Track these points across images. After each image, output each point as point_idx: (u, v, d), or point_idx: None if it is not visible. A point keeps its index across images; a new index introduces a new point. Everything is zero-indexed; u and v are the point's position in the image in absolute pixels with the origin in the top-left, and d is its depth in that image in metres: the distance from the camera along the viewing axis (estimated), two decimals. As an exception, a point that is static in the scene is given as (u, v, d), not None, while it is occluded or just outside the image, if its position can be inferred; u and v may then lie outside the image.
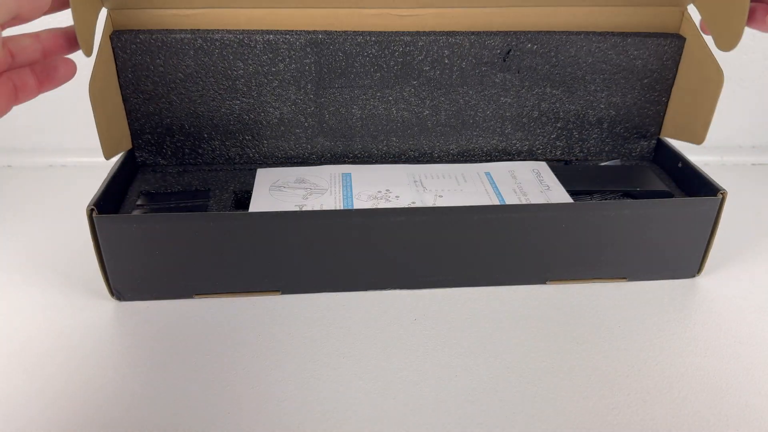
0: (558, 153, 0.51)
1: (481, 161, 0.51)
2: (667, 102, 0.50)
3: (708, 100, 0.46)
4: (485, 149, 0.51)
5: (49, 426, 0.33)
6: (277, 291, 0.43)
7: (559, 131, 0.51)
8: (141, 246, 0.39)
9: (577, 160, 0.52)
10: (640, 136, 0.51)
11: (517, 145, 0.51)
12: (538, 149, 0.51)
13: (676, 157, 0.48)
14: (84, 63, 0.38)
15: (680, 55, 0.49)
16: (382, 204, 0.43)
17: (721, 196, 0.41)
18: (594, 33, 0.47)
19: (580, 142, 0.51)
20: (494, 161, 0.51)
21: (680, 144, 0.51)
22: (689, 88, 0.49)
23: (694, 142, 0.49)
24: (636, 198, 0.46)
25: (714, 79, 0.45)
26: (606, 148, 0.52)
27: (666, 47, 0.48)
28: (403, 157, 0.51)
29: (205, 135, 0.48)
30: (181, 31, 0.45)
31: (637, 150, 0.52)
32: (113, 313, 0.41)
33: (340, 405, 0.35)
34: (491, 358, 0.38)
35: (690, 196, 0.46)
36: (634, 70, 0.49)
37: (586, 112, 0.50)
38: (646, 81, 0.49)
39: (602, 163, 0.51)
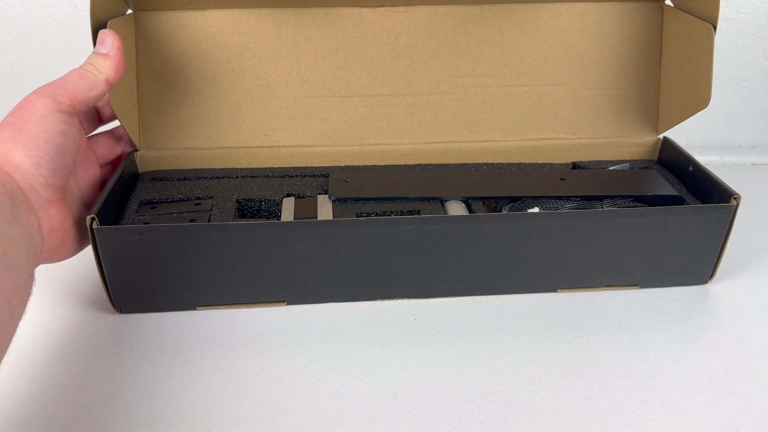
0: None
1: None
2: (659, 73, 0.51)
3: (703, 56, 0.45)
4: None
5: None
6: (282, 302, 0.42)
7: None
8: (142, 257, 0.38)
9: (589, 163, 0.51)
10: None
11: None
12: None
13: (685, 159, 0.48)
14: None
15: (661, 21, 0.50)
16: None
17: (735, 202, 0.41)
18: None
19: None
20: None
21: (685, 144, 0.50)
22: (679, 55, 0.48)
23: (701, 107, 0.46)
24: (647, 203, 0.46)
25: (702, 33, 0.45)
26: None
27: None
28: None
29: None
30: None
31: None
32: (115, 325, 0.40)
33: (340, 405, 0.35)
34: (492, 358, 0.38)
35: (700, 199, 0.45)
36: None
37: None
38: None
39: (611, 167, 0.51)
